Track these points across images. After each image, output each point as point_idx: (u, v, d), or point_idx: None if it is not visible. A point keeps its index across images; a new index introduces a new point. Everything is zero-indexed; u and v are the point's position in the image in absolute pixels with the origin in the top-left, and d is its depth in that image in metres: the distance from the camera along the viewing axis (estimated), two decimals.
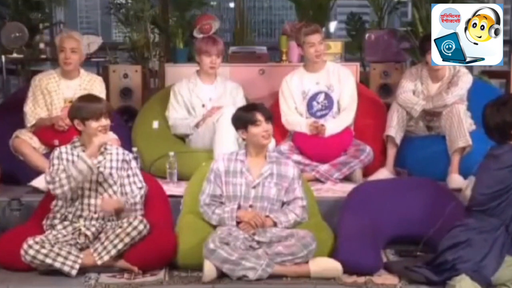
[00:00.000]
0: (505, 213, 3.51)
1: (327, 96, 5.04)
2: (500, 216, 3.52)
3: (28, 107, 4.80)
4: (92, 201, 3.93)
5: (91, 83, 4.89)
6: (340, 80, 5.06)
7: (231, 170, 3.99)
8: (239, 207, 3.92)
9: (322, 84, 5.06)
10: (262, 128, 3.96)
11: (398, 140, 4.99)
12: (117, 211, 3.93)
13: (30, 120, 4.77)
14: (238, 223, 3.87)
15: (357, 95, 5.11)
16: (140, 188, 4.05)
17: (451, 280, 3.47)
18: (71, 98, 4.73)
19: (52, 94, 4.80)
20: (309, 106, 5.05)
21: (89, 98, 4.10)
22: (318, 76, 5.08)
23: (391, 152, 5.01)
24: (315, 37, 4.97)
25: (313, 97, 5.05)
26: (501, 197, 3.50)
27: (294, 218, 3.92)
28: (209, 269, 3.64)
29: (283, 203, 4.00)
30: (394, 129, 4.98)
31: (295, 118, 5.01)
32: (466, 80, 4.94)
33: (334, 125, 4.97)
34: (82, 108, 3.91)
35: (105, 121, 3.91)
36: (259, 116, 3.97)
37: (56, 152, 3.94)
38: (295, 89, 5.07)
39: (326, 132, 4.92)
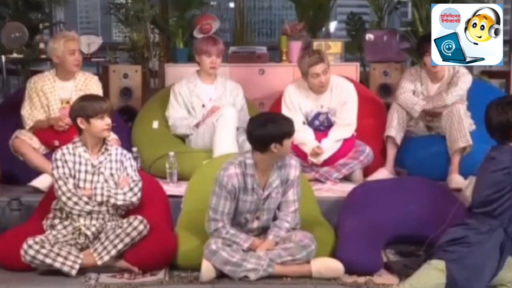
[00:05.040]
0: (503, 215, 3.49)
1: (327, 118, 5.00)
2: (498, 218, 3.50)
3: (25, 110, 4.78)
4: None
5: (86, 83, 4.86)
6: (342, 103, 4.98)
7: (242, 187, 3.73)
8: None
9: (325, 107, 4.99)
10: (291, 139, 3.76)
11: (398, 141, 4.99)
12: None
13: (28, 123, 4.75)
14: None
15: (357, 110, 5.04)
16: (126, 193, 3.97)
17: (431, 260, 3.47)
18: (68, 99, 4.73)
19: (48, 95, 4.77)
20: (311, 124, 5.00)
21: (93, 97, 4.13)
22: (323, 100, 4.98)
23: (391, 152, 5.01)
24: (319, 67, 4.82)
25: (315, 117, 5.01)
26: (498, 200, 3.46)
27: (287, 227, 3.80)
28: (207, 269, 3.64)
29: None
30: (395, 129, 4.98)
31: (299, 136, 4.72)
32: (465, 80, 4.94)
33: (331, 144, 4.90)
34: (87, 106, 3.90)
35: (108, 120, 3.92)
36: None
37: (58, 154, 3.93)
38: (298, 107, 4.98)
39: (324, 155, 4.85)
